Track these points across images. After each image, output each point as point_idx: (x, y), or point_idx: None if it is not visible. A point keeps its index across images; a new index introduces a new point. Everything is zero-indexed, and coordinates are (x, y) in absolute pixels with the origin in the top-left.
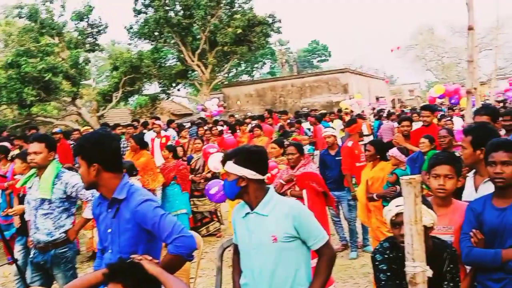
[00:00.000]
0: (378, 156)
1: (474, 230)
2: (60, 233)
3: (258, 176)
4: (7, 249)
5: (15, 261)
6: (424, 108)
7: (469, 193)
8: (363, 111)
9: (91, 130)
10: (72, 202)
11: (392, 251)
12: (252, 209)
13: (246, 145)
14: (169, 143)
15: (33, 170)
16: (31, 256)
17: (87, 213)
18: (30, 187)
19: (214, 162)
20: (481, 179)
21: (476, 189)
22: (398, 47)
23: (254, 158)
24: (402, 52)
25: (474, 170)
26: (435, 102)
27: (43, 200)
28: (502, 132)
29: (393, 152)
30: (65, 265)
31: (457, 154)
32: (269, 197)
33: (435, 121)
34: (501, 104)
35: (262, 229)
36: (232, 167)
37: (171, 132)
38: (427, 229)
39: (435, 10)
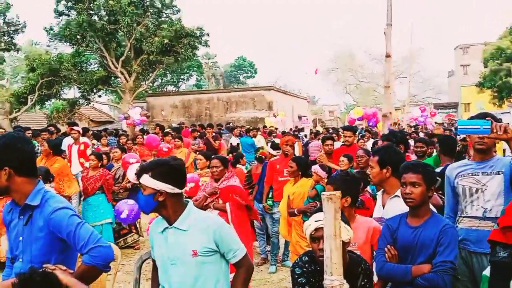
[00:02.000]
0: (300, 173)
1: (388, 246)
2: None
3: (176, 190)
4: None
5: None
6: (346, 128)
7: (377, 210)
8: (291, 129)
9: (3, 132)
10: None
11: (311, 264)
12: (170, 224)
13: (163, 158)
14: (88, 150)
15: None
16: None
17: None
18: None
19: (133, 173)
20: (387, 196)
21: (383, 206)
22: (316, 69)
23: (171, 171)
24: (324, 74)
25: (382, 189)
26: (355, 123)
27: None
28: (413, 157)
29: (316, 168)
30: None
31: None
32: (188, 211)
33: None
34: (413, 129)
35: (181, 244)
36: (149, 181)
37: (85, 140)
38: (344, 244)
39: (356, 36)
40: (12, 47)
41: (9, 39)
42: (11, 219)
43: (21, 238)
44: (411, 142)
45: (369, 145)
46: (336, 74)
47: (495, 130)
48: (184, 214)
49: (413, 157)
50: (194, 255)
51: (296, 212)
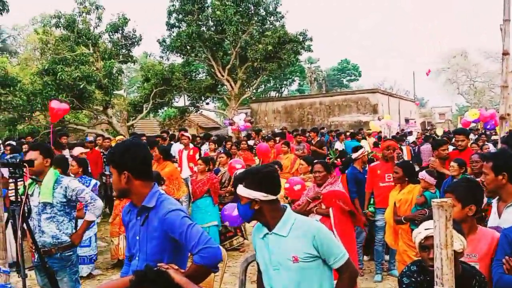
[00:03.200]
0: (406, 179)
1: (507, 257)
2: (65, 236)
3: (270, 197)
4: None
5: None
6: (458, 132)
7: (493, 219)
8: (397, 133)
9: (124, 139)
10: (72, 206)
11: (420, 275)
12: (270, 230)
13: (255, 167)
14: (196, 155)
15: (30, 180)
16: (35, 260)
17: (89, 216)
18: (31, 194)
19: None
20: (504, 204)
21: (499, 215)
22: (428, 70)
23: (264, 179)
24: (434, 75)
25: (498, 197)
26: (469, 126)
27: (44, 205)
28: None
29: (423, 175)
30: (70, 269)
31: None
32: (287, 217)
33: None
34: None
35: (282, 250)
36: (243, 191)
37: (206, 147)
38: (457, 254)
39: (468, 34)
40: (129, 59)
41: (127, 51)
42: (130, 220)
43: (138, 237)
44: None
45: (492, 149)
46: (446, 74)
47: None
48: (283, 220)
49: None
50: (295, 261)
51: (403, 220)
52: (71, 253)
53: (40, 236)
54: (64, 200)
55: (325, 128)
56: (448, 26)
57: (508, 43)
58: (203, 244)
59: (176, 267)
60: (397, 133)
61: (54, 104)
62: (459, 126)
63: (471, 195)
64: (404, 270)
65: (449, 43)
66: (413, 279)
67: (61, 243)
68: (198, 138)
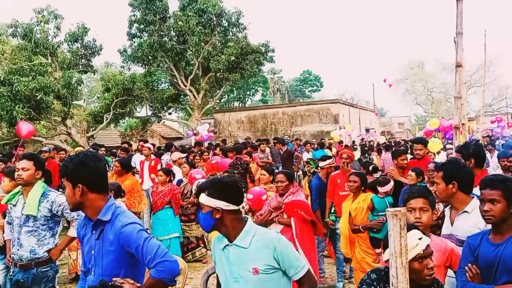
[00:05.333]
0: (362, 188)
1: (469, 265)
2: (43, 252)
3: (232, 207)
4: None
5: None
6: (416, 141)
7: (446, 227)
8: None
9: (82, 149)
10: (56, 221)
11: (379, 282)
12: (231, 241)
13: (218, 176)
14: (158, 166)
15: (18, 188)
16: (10, 274)
17: (72, 232)
18: (14, 205)
19: None
20: (456, 212)
21: (451, 223)
22: (384, 79)
23: (227, 188)
24: (393, 86)
25: (449, 205)
26: (431, 136)
27: (27, 218)
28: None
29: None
30: (45, 284)
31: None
32: (248, 228)
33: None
34: (488, 139)
35: (242, 261)
36: (205, 199)
37: (168, 157)
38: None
39: (425, 46)
40: (89, 69)
41: (86, 61)
42: (85, 234)
43: (93, 252)
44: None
45: (442, 157)
46: (405, 85)
47: None
48: (244, 231)
49: (499, 171)
50: (255, 273)
51: (361, 228)
52: (48, 268)
53: (18, 250)
54: (49, 214)
55: (288, 137)
56: (407, 38)
57: (461, 55)
58: (160, 258)
59: (132, 281)
60: (353, 141)
61: (23, 126)
62: (418, 135)
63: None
64: (364, 278)
65: (407, 54)
66: (373, 287)
67: (38, 258)
68: (161, 148)
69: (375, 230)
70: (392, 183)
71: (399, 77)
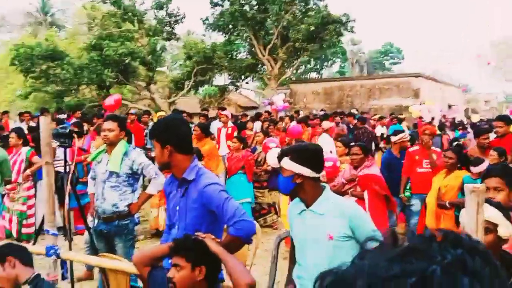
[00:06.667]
0: (458, 165)
1: None
2: (124, 206)
3: (313, 174)
4: (82, 217)
5: (88, 229)
6: (498, 118)
7: None
8: (432, 118)
9: (165, 114)
10: (136, 178)
11: None
12: (307, 206)
13: (302, 143)
14: (235, 133)
15: (103, 146)
16: (95, 225)
17: (150, 189)
18: (99, 162)
19: (272, 158)
20: None
21: None
22: (478, 55)
23: (310, 155)
24: (481, 61)
25: None
26: None
27: (111, 174)
28: None
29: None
30: (126, 236)
31: None
32: (325, 196)
33: None
34: None
35: (318, 227)
36: (288, 164)
37: (258, 125)
38: (501, 241)
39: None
40: (173, 36)
41: (170, 29)
42: (171, 191)
43: (178, 207)
44: None
45: None
46: (494, 61)
47: None
48: (321, 198)
49: None
50: (330, 239)
51: (447, 205)
52: (128, 221)
53: (102, 203)
54: (130, 172)
55: (357, 111)
56: (499, 13)
57: None
58: (238, 217)
59: (213, 236)
60: (432, 118)
61: (108, 101)
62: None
63: None
64: None
65: (499, 30)
66: None
67: (119, 211)
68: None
69: (461, 208)
70: (486, 162)
71: (488, 53)
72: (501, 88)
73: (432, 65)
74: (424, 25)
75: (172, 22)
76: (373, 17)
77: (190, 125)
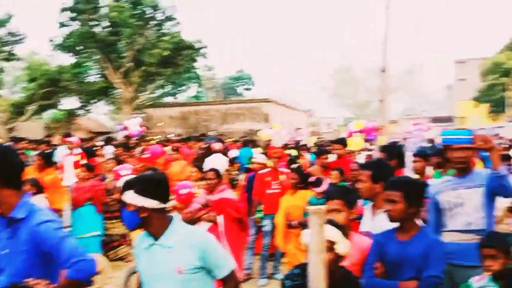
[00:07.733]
0: (301, 185)
1: (376, 262)
2: None
3: (160, 205)
4: None
5: None
6: (336, 141)
7: (366, 224)
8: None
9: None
10: None
11: (301, 278)
12: (156, 239)
13: (145, 173)
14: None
15: None
16: None
17: None
18: None
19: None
20: (376, 210)
21: (372, 220)
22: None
23: (156, 186)
24: (321, 88)
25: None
26: (352, 136)
27: None
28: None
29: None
30: None
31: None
32: (174, 227)
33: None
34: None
35: (166, 261)
36: (131, 198)
37: (110, 149)
38: (340, 258)
39: (353, 50)
40: (13, 57)
41: (10, 49)
42: None
43: (6, 251)
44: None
45: (362, 157)
46: (334, 87)
47: (477, 141)
48: (169, 230)
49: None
50: (179, 273)
51: (292, 224)
52: None
53: None
54: None
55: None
56: (337, 42)
57: (385, 61)
58: (76, 257)
59: (46, 282)
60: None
61: None
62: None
63: (352, 201)
64: (288, 273)
65: (338, 59)
66: (295, 282)
67: None
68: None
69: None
70: (327, 181)
71: (329, 80)
72: (340, 113)
73: (279, 92)
74: (273, 51)
75: (11, 41)
76: (224, 45)
77: (34, 153)
